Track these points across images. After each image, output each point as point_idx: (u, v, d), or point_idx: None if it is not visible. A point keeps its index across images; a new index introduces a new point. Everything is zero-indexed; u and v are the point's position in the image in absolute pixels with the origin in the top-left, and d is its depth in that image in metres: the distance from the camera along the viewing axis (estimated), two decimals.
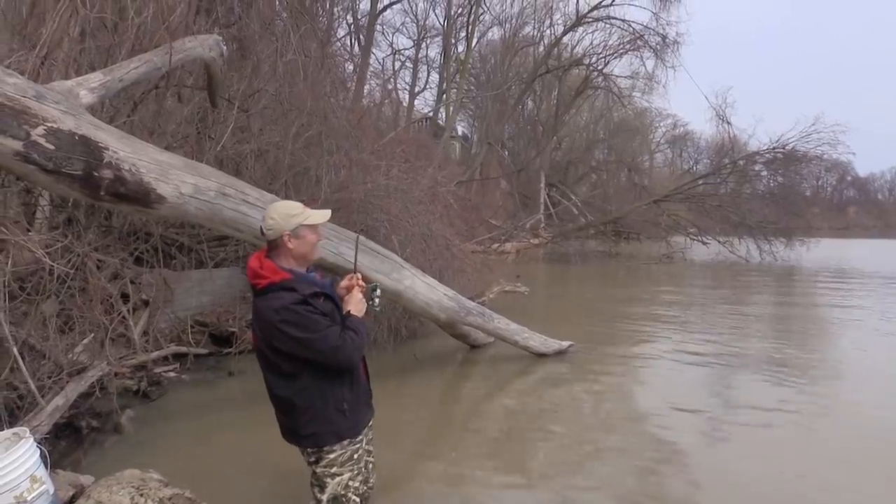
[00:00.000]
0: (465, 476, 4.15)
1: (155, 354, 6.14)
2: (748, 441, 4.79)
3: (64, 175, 3.53)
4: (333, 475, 2.64)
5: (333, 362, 2.50)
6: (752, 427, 5.09)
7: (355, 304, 2.70)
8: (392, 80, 32.12)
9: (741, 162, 23.68)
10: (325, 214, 2.65)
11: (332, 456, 2.62)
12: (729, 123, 25.58)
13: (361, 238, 3.39)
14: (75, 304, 5.37)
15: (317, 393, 2.55)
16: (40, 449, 3.03)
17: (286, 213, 2.55)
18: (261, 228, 2.59)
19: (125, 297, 6.07)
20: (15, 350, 3.80)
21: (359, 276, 2.82)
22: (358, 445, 2.69)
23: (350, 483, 2.66)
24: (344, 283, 2.83)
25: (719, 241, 23.42)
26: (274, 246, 2.56)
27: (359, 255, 2.92)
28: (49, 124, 3.44)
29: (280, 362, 2.50)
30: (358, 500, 2.72)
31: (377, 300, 2.90)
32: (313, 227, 2.59)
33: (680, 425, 5.15)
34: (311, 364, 2.49)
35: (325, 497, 2.65)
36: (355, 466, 2.68)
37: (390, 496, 3.69)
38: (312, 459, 2.66)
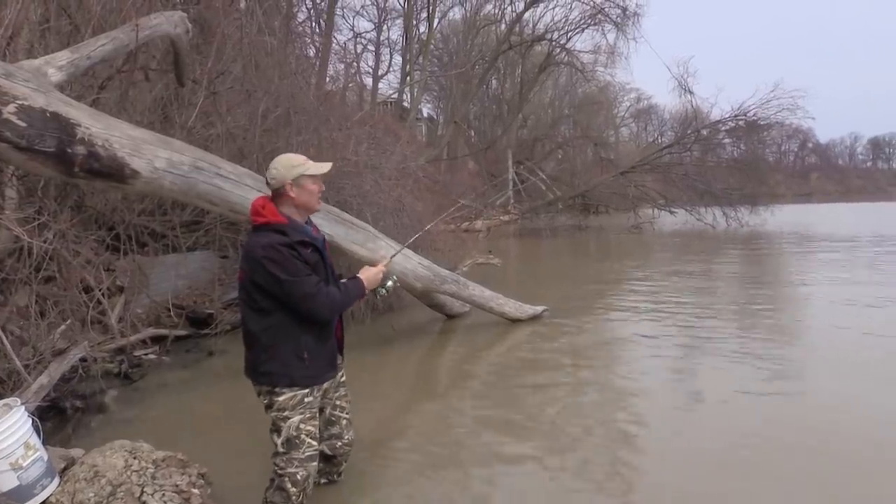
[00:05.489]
0: (449, 429, 4.28)
1: (134, 337, 6.14)
2: (720, 396, 4.87)
3: (37, 152, 3.55)
4: (285, 418, 2.71)
5: (303, 309, 2.62)
6: (725, 382, 5.24)
7: (370, 276, 2.94)
8: (355, 63, 31.86)
9: (704, 131, 24.01)
10: (325, 166, 2.78)
11: (281, 399, 2.69)
12: (691, 93, 25.70)
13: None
14: (51, 290, 5.37)
15: (282, 333, 2.66)
16: (32, 418, 3.08)
17: (289, 164, 2.69)
18: (265, 179, 2.74)
19: (100, 283, 6.07)
20: None
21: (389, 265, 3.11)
22: (308, 391, 2.75)
23: (302, 426, 2.74)
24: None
25: (686, 210, 23.79)
26: (278, 195, 2.70)
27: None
28: (20, 102, 3.46)
29: (258, 297, 2.63)
30: (314, 442, 2.81)
31: (386, 290, 3.11)
32: (314, 178, 2.72)
33: (649, 375, 5.36)
34: (284, 304, 2.61)
35: (279, 441, 2.74)
36: (307, 410, 2.75)
37: (377, 449, 3.82)
38: (266, 402, 2.75)
